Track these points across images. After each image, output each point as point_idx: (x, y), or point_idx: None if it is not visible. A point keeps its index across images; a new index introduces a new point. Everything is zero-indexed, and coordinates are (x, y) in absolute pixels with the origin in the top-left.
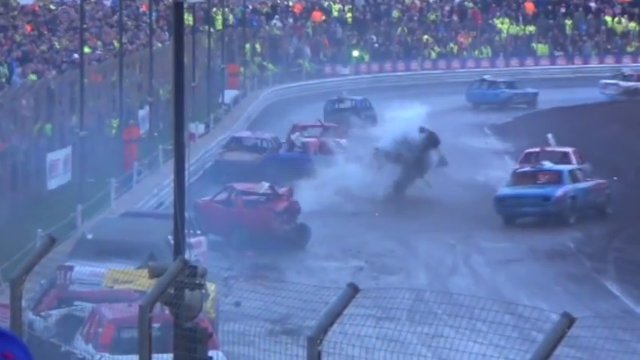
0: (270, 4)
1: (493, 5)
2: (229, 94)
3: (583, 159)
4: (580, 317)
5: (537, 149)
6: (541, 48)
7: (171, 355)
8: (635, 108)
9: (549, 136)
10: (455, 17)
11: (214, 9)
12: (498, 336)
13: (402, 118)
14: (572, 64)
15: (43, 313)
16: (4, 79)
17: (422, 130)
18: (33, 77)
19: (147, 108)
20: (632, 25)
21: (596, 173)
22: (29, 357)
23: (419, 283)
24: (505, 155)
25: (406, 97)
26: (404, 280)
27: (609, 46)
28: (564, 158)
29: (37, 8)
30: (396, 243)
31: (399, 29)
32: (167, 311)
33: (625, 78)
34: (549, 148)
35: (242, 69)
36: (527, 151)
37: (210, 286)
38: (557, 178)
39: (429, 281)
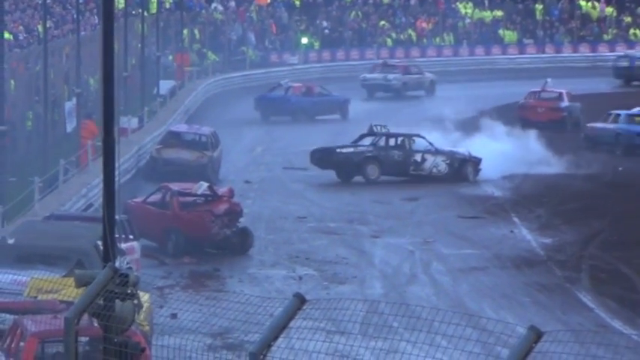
0: None
1: None
2: (165, 85)
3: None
4: (549, 331)
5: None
6: (509, 35)
7: None
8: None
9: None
10: (414, 1)
11: None
12: (460, 351)
13: None
14: (543, 52)
15: None
16: None
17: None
18: None
19: (74, 100)
20: (609, 10)
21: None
22: None
23: (373, 294)
24: None
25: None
26: (357, 289)
27: (584, 34)
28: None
29: None
30: (349, 249)
31: (353, 13)
32: (96, 324)
33: None
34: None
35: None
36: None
37: (144, 296)
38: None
39: (384, 291)
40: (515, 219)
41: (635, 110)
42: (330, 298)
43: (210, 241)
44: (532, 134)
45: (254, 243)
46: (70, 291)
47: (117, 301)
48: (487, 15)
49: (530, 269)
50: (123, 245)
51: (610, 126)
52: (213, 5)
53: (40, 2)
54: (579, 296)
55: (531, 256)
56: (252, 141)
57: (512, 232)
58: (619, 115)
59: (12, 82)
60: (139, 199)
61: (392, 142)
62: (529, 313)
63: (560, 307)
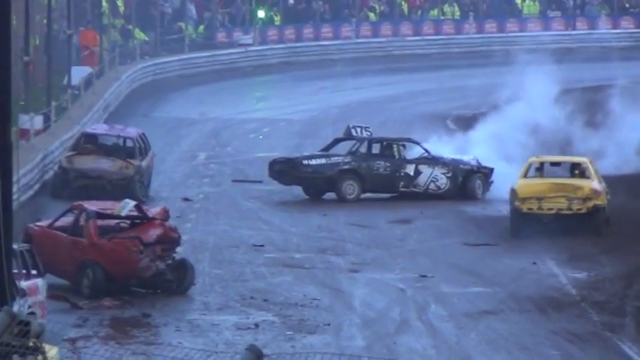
0: None
1: None
2: (78, 73)
3: None
4: None
5: None
6: (529, 6)
7: None
8: None
9: None
10: None
11: None
12: None
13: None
14: (574, 29)
15: None
16: None
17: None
18: None
19: None
20: None
21: None
22: None
23: (352, 346)
24: None
25: (338, 76)
26: (331, 340)
27: (627, 4)
28: None
29: None
30: (320, 287)
31: None
32: None
33: None
34: None
35: (98, 37)
36: None
37: (50, 351)
38: None
39: (367, 343)
40: (539, 247)
41: None
42: (296, 352)
43: (137, 277)
44: None
45: (195, 280)
46: None
47: (15, 357)
48: None
49: (558, 313)
50: (23, 283)
51: None
52: None
53: None
54: (622, 348)
55: (560, 295)
56: (192, 146)
57: (534, 264)
58: None
59: None
60: (44, 223)
61: (376, 149)
62: None
63: None
